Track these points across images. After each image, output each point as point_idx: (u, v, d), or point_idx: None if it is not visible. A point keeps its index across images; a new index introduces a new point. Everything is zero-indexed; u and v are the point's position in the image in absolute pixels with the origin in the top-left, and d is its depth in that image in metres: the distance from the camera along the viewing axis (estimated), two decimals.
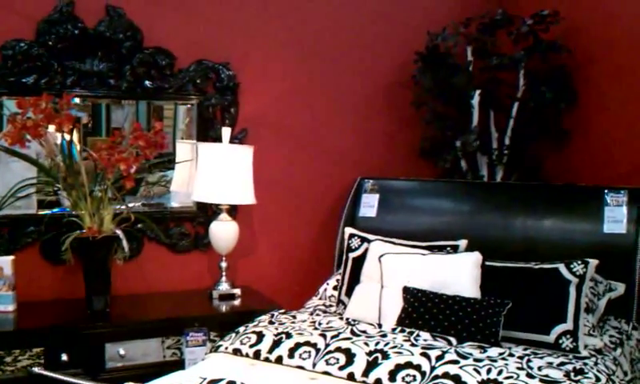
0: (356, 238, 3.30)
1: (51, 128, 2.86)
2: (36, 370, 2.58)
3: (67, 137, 2.91)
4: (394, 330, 2.67)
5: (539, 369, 2.29)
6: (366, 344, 2.46)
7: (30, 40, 3.07)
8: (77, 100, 3.15)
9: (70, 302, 3.11)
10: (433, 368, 2.27)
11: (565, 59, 3.54)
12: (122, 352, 2.88)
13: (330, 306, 3.22)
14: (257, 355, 2.52)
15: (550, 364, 2.34)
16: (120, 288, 3.18)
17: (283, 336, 2.58)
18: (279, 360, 2.48)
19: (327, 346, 2.48)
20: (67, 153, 2.90)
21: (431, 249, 3.11)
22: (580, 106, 3.57)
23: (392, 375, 2.27)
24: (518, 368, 2.28)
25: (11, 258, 2.98)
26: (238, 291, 3.35)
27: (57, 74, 3.12)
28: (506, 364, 2.30)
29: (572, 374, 2.27)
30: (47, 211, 3.15)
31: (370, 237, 3.26)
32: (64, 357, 2.76)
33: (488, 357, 2.37)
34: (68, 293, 3.15)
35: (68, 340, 2.80)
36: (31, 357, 2.72)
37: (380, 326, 2.74)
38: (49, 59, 3.10)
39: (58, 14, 3.08)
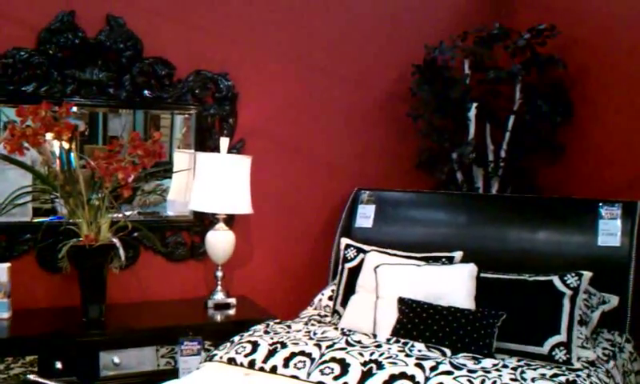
0: (352, 248, 3.31)
1: (48, 136, 2.87)
2: (31, 377, 2.59)
3: (66, 145, 2.92)
4: (388, 340, 2.68)
5: (532, 380, 2.30)
6: (361, 354, 2.47)
7: (31, 49, 3.08)
8: (75, 108, 3.16)
9: (65, 309, 3.11)
10: (427, 379, 2.28)
11: (561, 73, 3.57)
12: (116, 360, 2.88)
13: (325, 316, 3.23)
14: (251, 365, 2.53)
15: (543, 375, 2.35)
16: (116, 296, 3.19)
17: (278, 346, 2.58)
18: (274, 369, 2.48)
19: (322, 355, 2.49)
20: (65, 161, 2.91)
21: (427, 260, 3.11)
22: (576, 119, 3.60)
23: None
24: (512, 379, 2.29)
25: (7, 265, 2.97)
26: (233, 301, 3.36)
27: (56, 82, 3.14)
28: (500, 375, 2.31)
29: None
30: (43, 219, 3.15)
31: (366, 247, 3.27)
32: (58, 365, 2.75)
33: (482, 368, 2.38)
34: (63, 301, 3.15)
35: (63, 348, 2.80)
36: (24, 365, 2.72)
37: (375, 336, 2.75)
38: (49, 68, 3.11)
39: (59, 23, 3.10)
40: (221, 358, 2.61)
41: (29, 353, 2.73)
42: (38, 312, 3.08)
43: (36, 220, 3.15)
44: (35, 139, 2.81)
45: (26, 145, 2.82)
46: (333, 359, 2.45)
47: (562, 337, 2.63)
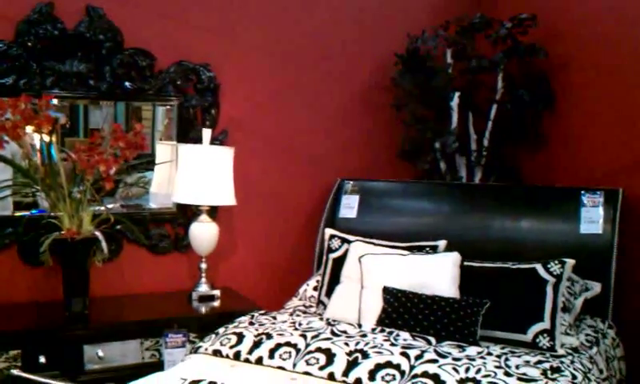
0: (336, 238, 3.31)
1: (28, 129, 2.83)
2: (15, 372, 2.56)
3: (46, 138, 2.89)
4: (373, 329, 2.69)
5: (517, 367, 2.32)
6: (346, 344, 2.48)
7: (9, 40, 3.03)
8: (55, 101, 3.12)
9: (48, 303, 3.08)
10: (412, 367, 2.29)
11: (543, 63, 3.58)
12: (100, 354, 2.86)
13: (310, 306, 3.23)
14: (237, 356, 2.52)
15: (527, 362, 2.37)
16: (99, 290, 3.16)
17: (263, 337, 2.58)
18: (259, 361, 2.48)
19: (307, 346, 2.49)
20: (46, 154, 2.88)
21: (411, 249, 3.13)
22: (558, 108, 3.61)
23: (372, 375, 2.28)
24: (496, 367, 2.31)
25: None
26: (217, 292, 3.35)
27: (36, 74, 3.09)
28: (485, 363, 2.33)
29: (549, 372, 2.30)
30: (24, 213, 3.12)
31: (350, 238, 3.28)
32: (42, 359, 2.73)
33: (466, 356, 2.39)
34: (46, 295, 3.12)
35: (46, 342, 2.77)
36: (8, 359, 2.69)
37: (360, 326, 2.76)
38: (28, 60, 3.06)
39: (38, 14, 3.06)
40: (206, 350, 2.61)
41: (12, 347, 2.71)
42: (20, 306, 3.05)
43: (17, 213, 3.11)
44: (15, 132, 2.78)
45: (5, 138, 2.79)
46: (318, 349, 2.46)
47: (545, 324, 2.65)
